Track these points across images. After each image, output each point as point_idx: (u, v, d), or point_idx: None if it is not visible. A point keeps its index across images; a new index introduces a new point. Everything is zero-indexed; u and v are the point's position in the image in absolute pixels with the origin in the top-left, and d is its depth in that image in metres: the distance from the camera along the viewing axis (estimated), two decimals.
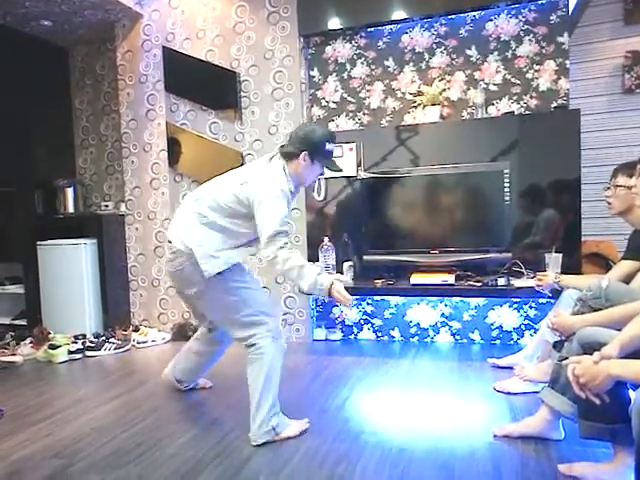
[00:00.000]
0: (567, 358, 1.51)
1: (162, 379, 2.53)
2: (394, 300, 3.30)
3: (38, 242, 3.69)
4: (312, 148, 2.00)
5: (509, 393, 2.29)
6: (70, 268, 3.60)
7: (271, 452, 1.83)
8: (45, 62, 4.01)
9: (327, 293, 1.85)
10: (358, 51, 3.33)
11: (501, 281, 2.79)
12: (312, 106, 3.45)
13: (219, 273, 1.95)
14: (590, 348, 1.47)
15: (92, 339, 3.32)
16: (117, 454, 1.87)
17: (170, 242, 2.05)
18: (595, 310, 1.75)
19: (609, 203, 2.24)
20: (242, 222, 1.98)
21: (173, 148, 3.61)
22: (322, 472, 1.67)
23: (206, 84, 3.51)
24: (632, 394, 1.49)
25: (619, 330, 1.45)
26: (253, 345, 1.97)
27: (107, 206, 3.99)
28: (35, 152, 3.90)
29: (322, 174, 2.14)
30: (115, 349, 3.29)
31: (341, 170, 2.16)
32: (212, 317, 2.18)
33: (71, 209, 3.90)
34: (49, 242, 3.67)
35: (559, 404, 1.72)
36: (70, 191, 3.90)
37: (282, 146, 2.08)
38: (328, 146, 2.03)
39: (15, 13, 3.40)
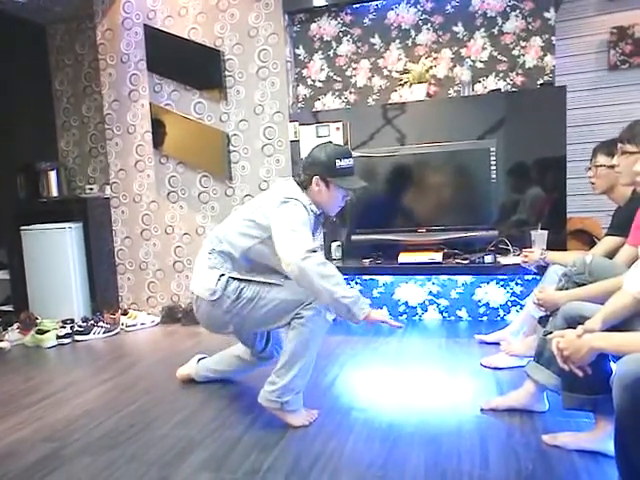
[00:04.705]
0: (552, 333, 1.54)
1: (178, 377, 2.37)
2: (382, 279, 3.32)
3: (22, 227, 3.64)
4: (322, 170, 1.83)
5: (496, 368, 2.33)
6: (56, 253, 3.56)
7: (263, 429, 1.85)
8: (22, 41, 3.89)
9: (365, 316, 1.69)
10: (344, 28, 3.28)
11: (488, 258, 2.83)
12: (298, 85, 3.41)
13: (234, 300, 1.86)
14: (574, 322, 1.50)
15: (80, 323, 3.31)
16: (109, 435, 1.88)
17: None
18: (579, 285, 1.78)
19: (592, 183, 2.27)
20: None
21: (158, 129, 3.54)
22: (313, 448, 1.70)
23: (190, 63, 3.43)
24: (613, 366, 1.53)
25: (602, 304, 1.48)
26: (296, 315, 1.84)
27: (92, 189, 3.93)
28: (16, 135, 3.81)
29: (347, 197, 1.93)
30: (104, 333, 3.28)
31: (364, 188, 1.96)
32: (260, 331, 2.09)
33: (55, 193, 3.84)
34: (33, 227, 3.61)
35: (543, 377, 1.76)
36: (53, 174, 3.83)
37: (294, 176, 1.97)
38: (339, 163, 1.83)
39: None
